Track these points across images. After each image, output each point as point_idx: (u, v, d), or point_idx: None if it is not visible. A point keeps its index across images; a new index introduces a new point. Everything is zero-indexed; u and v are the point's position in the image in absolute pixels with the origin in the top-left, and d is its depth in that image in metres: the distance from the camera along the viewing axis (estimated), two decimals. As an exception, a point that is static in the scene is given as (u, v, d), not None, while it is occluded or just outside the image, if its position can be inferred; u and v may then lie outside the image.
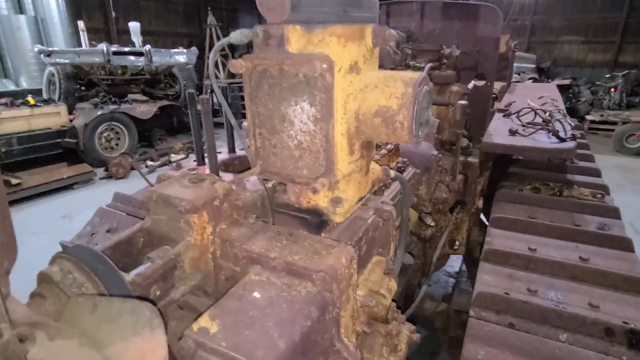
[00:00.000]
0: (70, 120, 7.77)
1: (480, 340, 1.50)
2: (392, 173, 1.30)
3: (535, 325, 1.53)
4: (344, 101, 0.98)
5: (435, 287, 4.11)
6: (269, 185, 1.26)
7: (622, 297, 1.63)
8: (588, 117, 11.40)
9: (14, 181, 6.50)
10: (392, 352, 1.29)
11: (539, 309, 1.54)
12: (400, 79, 0.96)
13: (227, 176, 1.41)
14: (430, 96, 1.04)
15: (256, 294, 0.97)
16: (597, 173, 2.68)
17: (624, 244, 1.91)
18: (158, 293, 1.07)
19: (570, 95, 13.22)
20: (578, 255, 1.87)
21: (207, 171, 1.38)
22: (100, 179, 7.61)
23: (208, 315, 0.90)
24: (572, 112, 10.65)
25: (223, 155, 1.67)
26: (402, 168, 1.74)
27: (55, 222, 5.69)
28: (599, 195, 2.35)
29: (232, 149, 1.77)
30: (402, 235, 1.44)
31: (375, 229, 1.38)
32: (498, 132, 2.57)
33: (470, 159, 2.45)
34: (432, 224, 2.02)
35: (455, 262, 4.38)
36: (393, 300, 1.49)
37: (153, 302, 0.74)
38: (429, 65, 2.27)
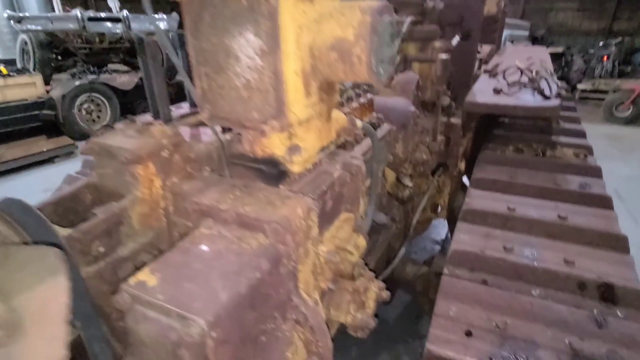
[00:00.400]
0: (47, 92, 7.47)
1: (453, 297, 1.47)
2: (359, 124, 1.21)
3: (509, 282, 1.50)
4: (296, 34, 0.88)
5: (421, 254, 4.13)
6: (227, 136, 1.16)
7: (597, 253, 1.60)
8: (579, 86, 11.30)
9: (-10, 154, 6.30)
10: (359, 309, 1.24)
11: (513, 265, 1.51)
12: (358, 6, 0.85)
13: (185, 130, 1.32)
14: (395, 29, 0.94)
15: (204, 247, 0.90)
16: (581, 134, 2.62)
17: (604, 202, 1.88)
18: (102, 249, 1.00)
19: (563, 64, 13.04)
20: (556, 214, 1.83)
21: (163, 125, 1.28)
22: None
23: (148, 268, 0.83)
24: (564, 80, 10.52)
25: (184, 109, 1.57)
26: (377, 124, 1.65)
27: (37, 195, 5.55)
28: (581, 156, 2.30)
29: (193, 103, 1.66)
30: (373, 193, 1.37)
31: (342, 184, 1.31)
32: (482, 91, 2.48)
33: (453, 120, 2.37)
34: (410, 184, 1.96)
35: (442, 230, 4.38)
36: (364, 260, 1.44)
37: (60, 247, 0.66)
38: (409, 19, 2.14)
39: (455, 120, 2.35)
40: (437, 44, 2.27)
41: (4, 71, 7.02)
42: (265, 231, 0.91)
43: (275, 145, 0.99)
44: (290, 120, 0.92)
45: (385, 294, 1.34)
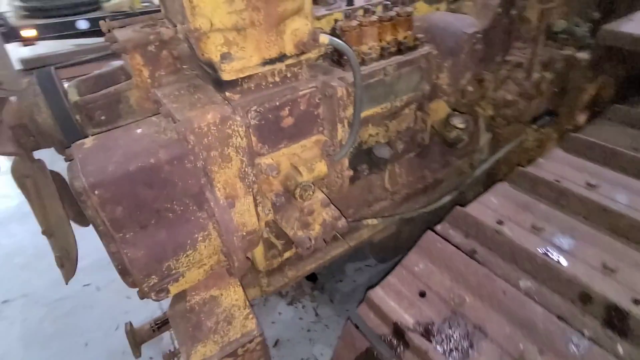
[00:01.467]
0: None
1: (426, 255, 1.33)
2: (325, 38, 1.09)
3: (500, 262, 1.23)
4: None
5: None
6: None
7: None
8: None
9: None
10: (303, 227, 1.28)
11: (511, 245, 1.21)
12: None
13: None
14: None
15: (138, 130, 1.10)
16: None
17: None
18: (103, 118, 1.31)
19: None
20: (652, 207, 1.28)
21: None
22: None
23: (94, 136, 1.09)
24: None
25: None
26: (411, 45, 1.39)
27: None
28: None
29: None
30: (355, 121, 1.25)
31: (315, 105, 1.25)
32: (647, 15, 1.68)
33: (580, 54, 1.73)
34: (461, 126, 1.63)
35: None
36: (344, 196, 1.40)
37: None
38: None
39: (582, 55, 1.71)
40: None
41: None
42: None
43: (210, 50, 1.03)
44: (198, 25, 0.93)
45: (342, 224, 1.32)
